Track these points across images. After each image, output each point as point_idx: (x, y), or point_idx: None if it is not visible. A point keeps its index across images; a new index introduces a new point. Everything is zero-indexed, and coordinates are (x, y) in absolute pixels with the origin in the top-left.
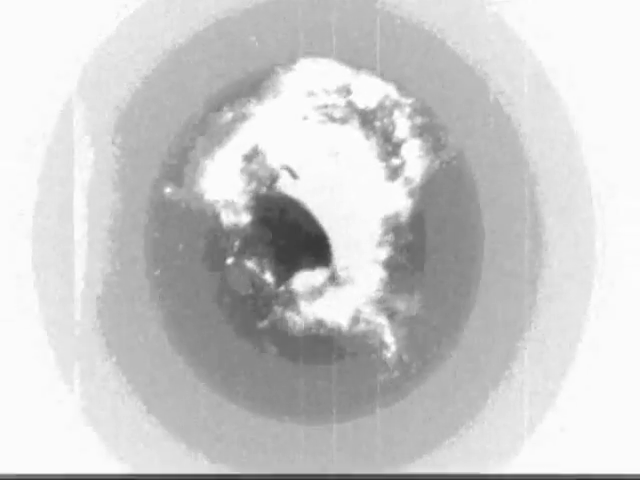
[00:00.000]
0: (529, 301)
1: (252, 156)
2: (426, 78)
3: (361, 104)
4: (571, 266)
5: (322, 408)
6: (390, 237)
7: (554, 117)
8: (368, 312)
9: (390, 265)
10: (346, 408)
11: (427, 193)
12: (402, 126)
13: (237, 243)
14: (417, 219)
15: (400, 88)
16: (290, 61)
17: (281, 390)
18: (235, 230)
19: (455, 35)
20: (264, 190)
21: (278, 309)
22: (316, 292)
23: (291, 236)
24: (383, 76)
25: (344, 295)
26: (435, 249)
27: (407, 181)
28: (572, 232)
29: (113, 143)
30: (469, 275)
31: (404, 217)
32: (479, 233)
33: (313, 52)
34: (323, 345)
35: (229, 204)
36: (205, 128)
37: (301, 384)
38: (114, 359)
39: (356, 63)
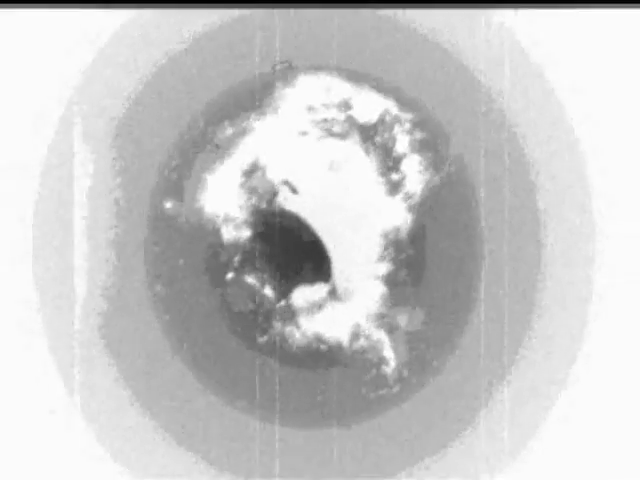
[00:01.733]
0: (529, 313)
1: (252, 171)
2: (427, 90)
3: (361, 119)
4: (571, 281)
5: (319, 418)
6: (390, 252)
7: (556, 129)
8: (368, 327)
9: (390, 280)
10: (343, 418)
11: (427, 208)
12: (402, 141)
13: (237, 258)
14: (417, 234)
15: (400, 103)
16: (290, 76)
17: (280, 402)
18: (235, 245)
19: (458, 46)
20: (264, 205)
21: (278, 324)
22: (316, 307)
23: (291, 251)
24: (383, 89)
25: (344, 310)
26: (435, 264)
27: (407, 196)
28: (573, 240)
29: (112, 158)
30: (469, 290)
31: (404, 232)
32: (479, 248)
33: (313, 66)
34: (323, 360)
35: (229, 219)
36: (205, 143)
37: (300, 397)
38: (115, 371)
39: (356, 77)
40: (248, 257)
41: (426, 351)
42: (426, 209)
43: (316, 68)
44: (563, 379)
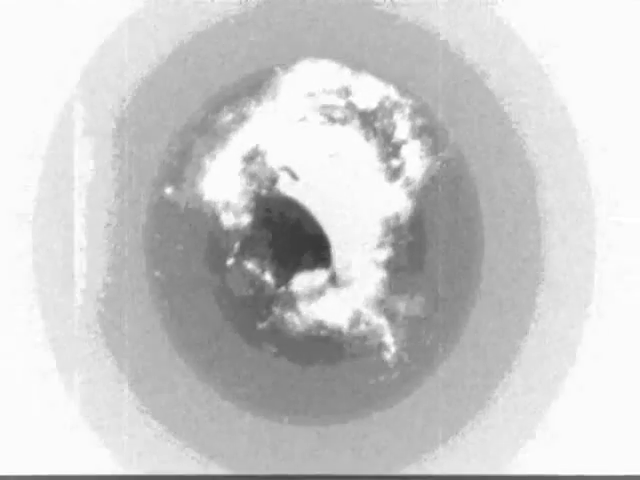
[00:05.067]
0: (530, 301)
1: (252, 157)
2: (426, 78)
3: (361, 105)
4: (572, 265)
5: (321, 409)
6: (390, 238)
7: (555, 116)
8: (368, 313)
9: (390, 266)
10: (345, 409)
11: (427, 194)
12: (402, 127)
13: (237, 244)
14: (417, 220)
15: (400, 89)
16: (290, 62)
17: (281, 391)
18: (235, 231)
19: (456, 35)
20: (264, 191)
21: (278, 310)
22: (316, 293)
23: (291, 237)
24: (383, 77)
25: (344, 296)
26: (435, 250)
27: (407, 182)
28: (573, 230)
29: (113, 144)
30: (469, 276)
31: (404, 218)
32: (479, 233)
33: (313, 53)
34: (323, 346)
35: (229, 205)
36: (205, 129)
37: (301, 385)
38: (114, 360)
39: (356, 64)
40: (248, 243)
41: (427, 337)
42: (426, 195)
43: (316, 54)
44: (570, 360)
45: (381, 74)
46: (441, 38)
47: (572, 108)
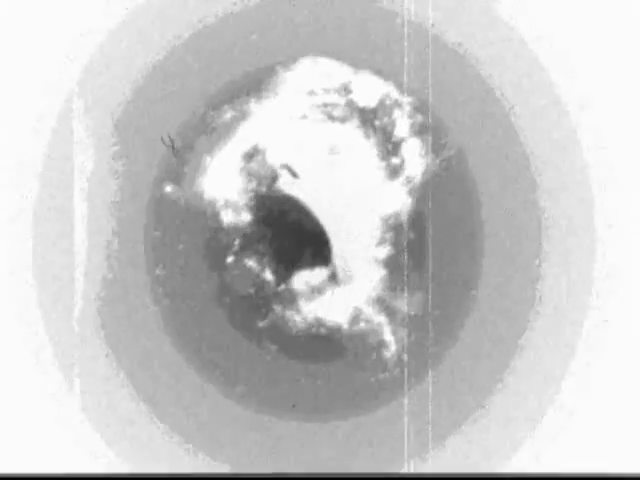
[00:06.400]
0: (529, 299)
1: (252, 155)
2: (427, 76)
3: (361, 103)
4: (571, 263)
5: (321, 406)
6: (390, 236)
7: (555, 114)
8: (368, 311)
9: (390, 264)
10: (345, 406)
11: (427, 192)
12: (402, 125)
13: (237, 242)
14: (417, 218)
15: (400, 87)
16: (290, 60)
17: (281, 388)
18: (235, 229)
19: (455, 33)
20: (264, 189)
21: (278, 308)
22: (316, 291)
23: (291, 235)
24: (383, 74)
25: (344, 294)
26: (435, 248)
27: (407, 180)
28: (572, 229)
29: (113, 143)
30: (469, 274)
31: (404, 216)
32: (479, 232)
33: (313, 51)
34: (323, 344)
35: (229, 203)
36: (205, 127)
37: (301, 382)
38: (114, 357)
39: (356, 62)
40: (248, 241)
41: (426, 335)
42: (426, 193)
43: (316, 53)
44: (567, 361)
45: (381, 72)
46: (441, 36)
47: (572, 104)
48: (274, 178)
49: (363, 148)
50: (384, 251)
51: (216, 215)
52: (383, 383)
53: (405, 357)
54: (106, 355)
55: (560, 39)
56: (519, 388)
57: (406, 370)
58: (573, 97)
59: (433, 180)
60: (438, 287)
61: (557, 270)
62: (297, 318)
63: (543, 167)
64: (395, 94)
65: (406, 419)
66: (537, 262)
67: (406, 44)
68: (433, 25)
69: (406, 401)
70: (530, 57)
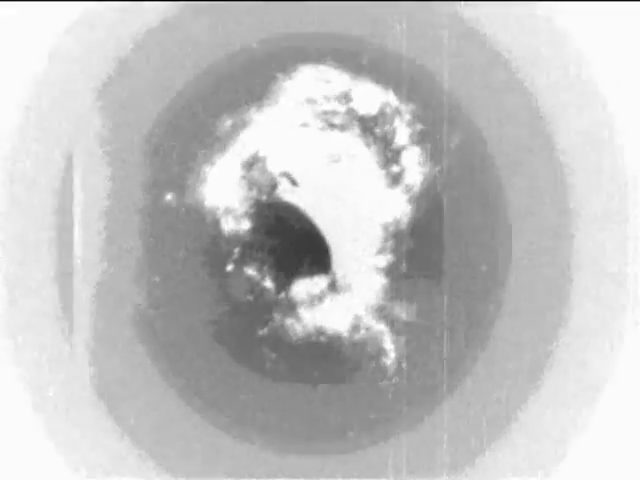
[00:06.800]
0: (530, 301)
1: (252, 163)
2: (426, 84)
3: (361, 111)
4: (600, 283)
5: (322, 415)
6: (390, 244)
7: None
8: (368, 319)
9: (390, 272)
10: (346, 415)
11: (427, 200)
12: (402, 133)
13: (237, 250)
14: (417, 226)
15: (400, 95)
16: (290, 68)
17: (281, 395)
18: (235, 237)
19: (456, 36)
20: (264, 197)
21: (278, 316)
22: (316, 299)
23: (291, 243)
24: (383, 81)
25: (344, 302)
26: (435, 256)
27: (407, 188)
28: (603, 256)
29: (112, 150)
30: (469, 281)
31: (404, 224)
32: (480, 238)
33: (313, 59)
34: (323, 352)
35: (229, 211)
36: (205, 135)
37: (300, 390)
38: (115, 363)
39: (356, 70)
40: (248, 249)
41: (428, 342)
42: (426, 201)
43: (316, 60)
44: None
45: (381, 80)
46: (442, 40)
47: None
48: (274, 186)
49: (363, 156)
50: (384, 259)
51: (216, 223)
52: (384, 390)
53: (405, 365)
54: (104, 359)
55: (599, 26)
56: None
57: (407, 378)
58: (614, 94)
59: (433, 188)
60: (438, 295)
61: (560, 271)
62: (297, 326)
63: (545, 171)
64: (395, 102)
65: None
66: (539, 265)
67: (406, 51)
68: (434, 27)
69: (407, 411)
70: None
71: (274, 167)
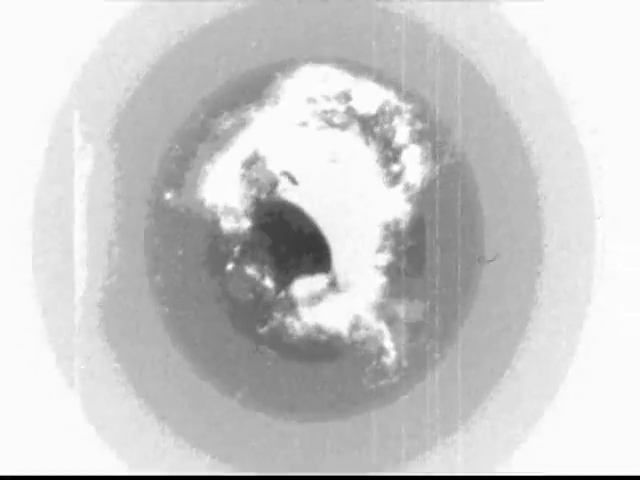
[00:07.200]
0: (528, 305)
1: (252, 162)
2: (428, 81)
3: (361, 110)
4: (571, 270)
5: (320, 409)
6: (390, 243)
7: (557, 121)
8: (368, 318)
9: (390, 271)
10: (343, 409)
11: (427, 199)
12: (402, 132)
13: (237, 249)
14: (417, 225)
15: (400, 93)
16: (290, 67)
17: (281, 392)
18: (235, 236)
19: (459, 37)
20: (264, 196)
21: (278, 315)
22: (316, 298)
23: (291, 242)
24: (383, 81)
25: (344, 301)
26: (435, 255)
27: (407, 187)
28: (574, 235)
29: (113, 149)
30: (469, 281)
31: (404, 223)
32: (479, 238)
33: (313, 58)
34: (323, 351)
35: (229, 210)
36: (205, 134)
37: (300, 388)
38: (114, 362)
39: (356, 69)
40: (248, 248)
41: (426, 342)
42: (426, 200)
43: (316, 60)
44: (563, 374)
45: (381, 79)
46: (441, 39)
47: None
48: (274, 185)
49: (363, 155)
50: (384, 258)
51: (216, 222)
52: (380, 387)
53: (405, 363)
54: (107, 360)
55: (565, 39)
56: (517, 391)
57: (406, 374)
58: (580, 100)
59: (433, 187)
60: (438, 293)
61: (557, 275)
62: (297, 325)
63: (545, 173)
64: (395, 101)
65: (403, 422)
66: (538, 266)
67: (406, 50)
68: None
69: (403, 404)
70: (529, 53)
71: (274, 166)
